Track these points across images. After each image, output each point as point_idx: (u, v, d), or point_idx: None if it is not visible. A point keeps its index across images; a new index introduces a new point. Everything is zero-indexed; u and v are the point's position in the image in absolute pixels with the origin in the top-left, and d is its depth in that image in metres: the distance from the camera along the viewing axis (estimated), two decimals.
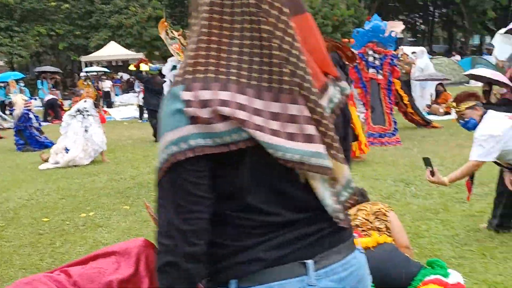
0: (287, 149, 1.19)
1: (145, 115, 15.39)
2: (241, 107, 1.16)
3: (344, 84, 1.36)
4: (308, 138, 1.21)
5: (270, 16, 1.20)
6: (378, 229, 3.59)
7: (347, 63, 8.49)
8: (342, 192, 1.33)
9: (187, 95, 1.17)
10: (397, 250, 3.45)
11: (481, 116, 4.32)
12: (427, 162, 4.30)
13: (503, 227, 4.56)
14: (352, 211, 3.85)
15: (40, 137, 12.41)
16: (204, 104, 1.16)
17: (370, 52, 9.91)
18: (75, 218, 5.95)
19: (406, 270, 3.34)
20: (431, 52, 33.84)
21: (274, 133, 1.18)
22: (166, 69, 19.55)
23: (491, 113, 4.35)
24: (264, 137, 1.17)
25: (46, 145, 12.24)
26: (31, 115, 12.48)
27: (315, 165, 1.22)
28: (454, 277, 3.30)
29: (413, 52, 16.02)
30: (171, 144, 1.17)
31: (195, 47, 1.22)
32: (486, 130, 4.18)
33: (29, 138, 12.12)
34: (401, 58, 14.93)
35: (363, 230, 3.60)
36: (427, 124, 11.87)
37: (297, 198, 1.27)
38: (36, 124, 12.53)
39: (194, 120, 1.16)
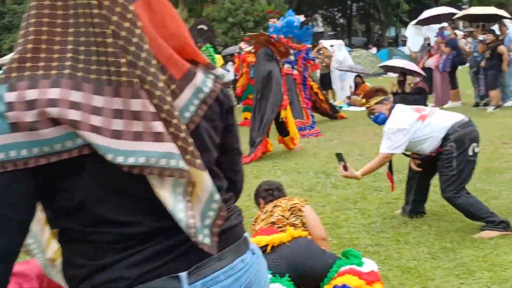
0: (130, 153, 1.04)
1: None
2: (75, 105, 1.01)
3: (220, 71, 1.25)
4: (157, 137, 1.06)
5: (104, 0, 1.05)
6: (294, 225, 3.61)
7: (279, 58, 8.64)
8: (206, 213, 1.15)
9: (10, 96, 1.01)
10: (312, 243, 3.47)
11: (390, 110, 4.47)
12: (339, 157, 4.39)
13: (415, 212, 4.72)
14: (268, 207, 3.84)
15: None
16: (30, 105, 1.00)
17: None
18: None
19: (322, 262, 3.37)
20: (350, 45, 34.86)
21: (115, 134, 1.04)
22: None
23: (398, 107, 4.53)
24: (99, 140, 1.02)
25: None
26: None
27: (166, 168, 1.06)
28: (368, 265, 3.36)
29: (331, 45, 16.39)
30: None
31: (23, 40, 1.05)
32: (394, 124, 4.33)
33: None
34: (321, 52, 15.25)
35: (279, 227, 3.59)
36: (334, 113, 12.02)
37: (159, 203, 1.10)
38: None
39: (17, 126, 1.00)
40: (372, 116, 4.67)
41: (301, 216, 3.67)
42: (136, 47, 1.05)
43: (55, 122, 1.01)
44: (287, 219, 3.66)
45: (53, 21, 1.05)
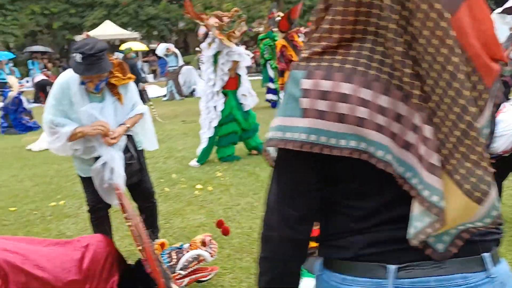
0: (401, 162, 1.08)
1: None
2: (363, 103, 1.06)
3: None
4: (422, 161, 1.06)
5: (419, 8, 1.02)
6: None
7: None
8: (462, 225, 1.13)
9: (306, 83, 1.10)
10: None
11: None
12: None
13: None
14: None
15: (28, 121, 12.12)
16: (323, 95, 1.08)
17: None
18: (43, 208, 5.67)
19: None
20: None
21: (392, 136, 1.07)
22: (159, 50, 19.28)
23: None
24: (381, 139, 1.07)
25: (31, 128, 11.97)
26: (22, 99, 12.19)
27: (426, 200, 1.07)
28: None
29: None
30: (279, 130, 1.14)
31: (326, 35, 1.11)
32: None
33: (14, 121, 11.82)
34: None
35: None
36: None
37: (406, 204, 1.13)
38: (27, 106, 12.24)
39: (307, 112, 1.09)
40: None
41: None
42: (445, 59, 1.02)
43: (341, 116, 1.07)
44: None
45: (357, 19, 1.09)
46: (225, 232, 3.53)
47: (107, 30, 30.24)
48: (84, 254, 2.93)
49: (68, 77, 3.52)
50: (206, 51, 7.16)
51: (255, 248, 4.16)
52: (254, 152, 7.64)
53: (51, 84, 19.83)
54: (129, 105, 3.78)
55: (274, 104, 12.66)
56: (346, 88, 1.06)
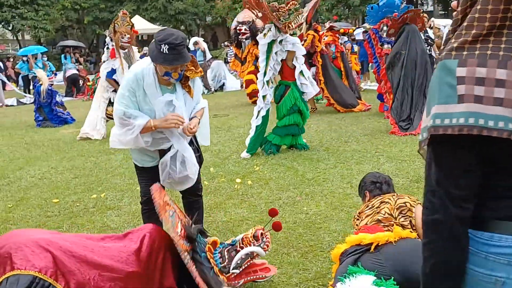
0: None
1: None
2: None
3: None
4: None
5: None
6: (402, 226, 3.24)
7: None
8: None
9: (461, 72, 1.19)
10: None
11: None
12: None
13: None
14: (375, 202, 3.49)
15: (63, 113, 12.24)
16: (478, 82, 1.16)
17: (384, 28, 9.78)
18: (85, 200, 5.72)
19: None
20: None
21: None
22: (190, 44, 19.35)
23: None
24: None
25: (67, 122, 12.10)
26: (54, 91, 12.32)
27: None
28: None
29: (444, 26, 15.28)
30: (436, 117, 1.25)
31: (477, 24, 1.20)
32: None
33: (49, 114, 11.96)
34: (433, 31, 14.28)
35: (385, 225, 3.24)
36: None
37: None
38: (58, 99, 12.37)
39: (463, 98, 1.19)
40: None
41: (411, 217, 3.29)
42: None
43: (499, 100, 1.15)
44: (395, 218, 3.30)
45: (507, 7, 1.17)
46: (277, 227, 3.49)
47: (136, 25, 30.39)
48: (142, 244, 2.94)
49: (142, 68, 3.54)
50: (261, 41, 7.17)
51: (301, 243, 4.12)
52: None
53: (82, 78, 20.12)
54: (197, 98, 3.80)
55: None
56: (501, 73, 1.15)
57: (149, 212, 3.81)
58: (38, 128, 11.63)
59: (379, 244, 3.05)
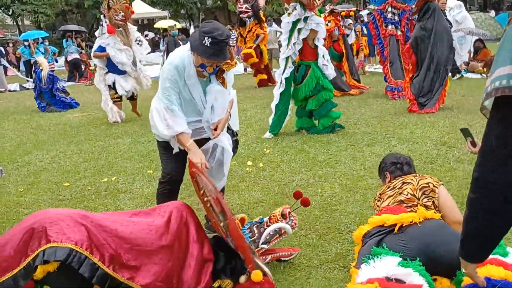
0: None
1: None
2: None
3: None
4: None
5: None
6: (426, 206, 3.19)
7: None
8: None
9: None
10: (447, 226, 3.05)
11: None
12: (466, 132, 3.78)
13: None
14: (396, 183, 3.44)
15: (65, 98, 12.16)
16: None
17: (389, 9, 10.02)
18: (96, 183, 5.68)
19: (457, 248, 2.94)
20: (467, 8, 32.45)
21: None
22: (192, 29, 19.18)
23: None
24: None
25: (71, 106, 12.02)
26: (55, 76, 12.23)
27: None
28: None
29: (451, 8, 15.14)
30: (498, 79, 1.30)
31: None
32: None
33: (51, 99, 11.86)
34: None
35: (408, 206, 3.19)
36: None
37: None
38: (60, 86, 12.27)
39: None
40: None
41: (434, 197, 3.25)
42: None
43: None
44: (418, 199, 3.25)
45: None
46: (306, 203, 3.48)
47: (137, 8, 30.03)
48: (170, 218, 3.00)
49: (183, 59, 3.49)
50: (285, 19, 7.12)
51: (318, 225, 4.08)
52: (303, 131, 7.58)
53: (83, 62, 19.98)
54: (229, 88, 3.77)
55: None
56: None
57: (169, 193, 3.77)
58: (43, 113, 11.56)
59: (403, 225, 3.01)
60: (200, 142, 3.71)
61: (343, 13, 12.92)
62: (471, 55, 13.75)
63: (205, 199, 3.19)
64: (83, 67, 20.07)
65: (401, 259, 2.83)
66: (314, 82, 7.15)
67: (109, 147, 7.52)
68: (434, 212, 3.14)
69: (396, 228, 3.01)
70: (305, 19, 6.95)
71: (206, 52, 3.35)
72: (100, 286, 2.66)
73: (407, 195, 3.28)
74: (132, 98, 9.67)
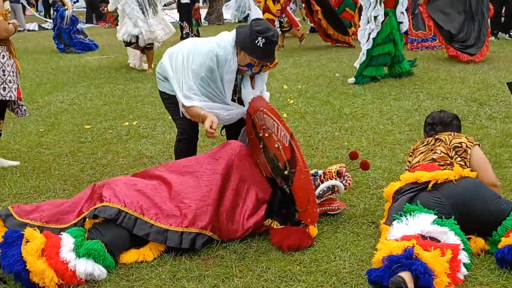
0: None
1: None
2: None
3: None
4: None
5: None
6: (460, 166, 3.05)
7: None
8: None
9: None
10: (483, 185, 2.91)
11: None
12: (511, 87, 3.58)
13: None
14: (430, 140, 3.29)
15: (84, 40, 11.98)
16: None
17: None
18: (117, 127, 5.60)
19: (494, 206, 2.81)
20: None
21: None
22: None
23: None
24: None
25: (90, 48, 11.86)
26: (76, 17, 12.02)
27: None
28: None
29: None
30: None
31: None
32: None
33: (69, 41, 11.68)
34: None
35: (441, 165, 3.05)
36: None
37: None
38: (78, 27, 12.07)
39: None
40: None
41: (466, 158, 3.09)
42: None
43: None
44: (451, 158, 3.11)
45: None
46: (366, 166, 3.43)
47: None
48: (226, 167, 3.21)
49: (227, 52, 3.30)
50: None
51: None
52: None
53: (104, 1, 19.62)
54: (260, 88, 3.57)
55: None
56: None
57: (188, 149, 3.64)
58: (62, 54, 11.43)
59: (438, 182, 2.88)
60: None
61: None
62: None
63: (266, 134, 3.20)
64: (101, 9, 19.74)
65: (436, 217, 2.72)
66: (387, 31, 7.13)
67: (130, 91, 7.41)
68: (470, 171, 3.00)
69: (430, 185, 2.88)
70: None
71: (257, 52, 3.25)
72: (158, 241, 2.89)
73: (440, 153, 3.14)
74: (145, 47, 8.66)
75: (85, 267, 2.64)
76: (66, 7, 11.48)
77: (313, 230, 3.02)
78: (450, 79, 7.31)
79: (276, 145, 3.13)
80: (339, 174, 3.36)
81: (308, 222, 3.02)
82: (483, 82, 6.99)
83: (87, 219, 2.88)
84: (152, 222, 2.89)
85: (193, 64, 3.36)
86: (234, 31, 3.37)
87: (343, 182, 3.34)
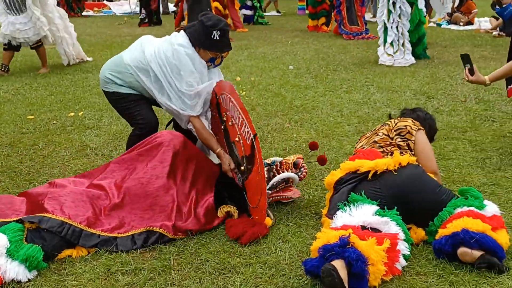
0: None
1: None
2: None
3: None
4: None
5: None
6: (399, 146, 3.05)
7: None
8: None
9: None
10: (424, 173, 2.91)
11: None
12: (465, 59, 3.62)
13: None
14: (377, 126, 3.30)
15: None
16: None
17: None
18: (62, 118, 5.42)
19: (433, 197, 2.83)
20: None
21: None
22: None
23: None
24: None
25: None
26: None
27: None
28: (491, 208, 2.80)
29: None
30: None
31: None
32: None
33: None
34: None
35: (381, 146, 3.06)
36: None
37: None
38: None
39: None
40: (497, 8, 3.90)
41: (410, 140, 3.10)
42: None
43: None
44: (391, 139, 3.12)
45: None
46: (323, 161, 3.40)
47: None
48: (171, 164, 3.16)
49: (194, 57, 3.32)
50: None
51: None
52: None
53: None
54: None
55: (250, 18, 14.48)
56: None
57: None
58: None
59: (378, 171, 2.87)
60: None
61: None
62: (455, 6, 13.50)
63: (229, 123, 3.19)
64: None
65: (378, 208, 2.72)
66: (417, 18, 7.93)
67: (78, 81, 7.20)
68: (409, 154, 3.00)
69: (370, 175, 2.87)
70: None
71: (217, 46, 3.33)
72: (109, 249, 2.79)
73: (381, 135, 3.15)
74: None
75: (15, 274, 2.48)
76: None
77: (268, 220, 3.02)
78: (401, 72, 7.41)
79: (237, 138, 3.13)
80: (295, 165, 3.33)
81: (256, 219, 3.01)
82: (432, 76, 7.11)
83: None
84: (99, 233, 2.81)
85: (178, 72, 3.32)
86: (183, 34, 3.37)
87: (299, 174, 3.32)
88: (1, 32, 7.34)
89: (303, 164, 3.40)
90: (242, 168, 3.14)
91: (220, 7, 11.74)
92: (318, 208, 3.30)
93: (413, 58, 8.00)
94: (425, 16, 8.58)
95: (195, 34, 3.31)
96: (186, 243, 2.89)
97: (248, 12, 14.51)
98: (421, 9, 8.10)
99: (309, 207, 3.34)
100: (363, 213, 2.66)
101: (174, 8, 13.59)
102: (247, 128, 3.01)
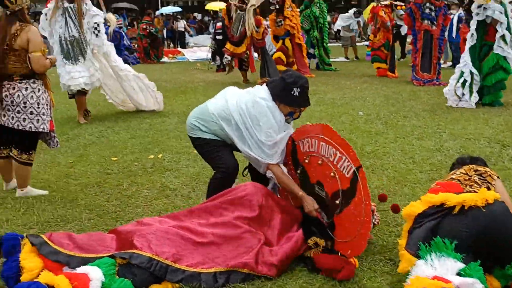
0: None
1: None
2: None
3: None
4: None
5: None
6: (477, 184, 3.03)
7: None
8: None
9: None
10: (510, 213, 2.78)
11: None
12: None
13: None
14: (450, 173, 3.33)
15: (128, 56, 12.08)
16: None
17: (427, 4, 10.85)
18: (143, 159, 5.75)
19: None
20: None
21: None
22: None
23: None
24: None
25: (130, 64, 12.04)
26: (123, 34, 12.19)
27: None
28: None
29: None
30: None
31: None
32: None
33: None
34: None
35: (462, 183, 3.04)
36: None
37: None
38: (126, 42, 12.23)
39: None
40: None
41: (491, 183, 3.06)
42: None
43: None
44: (470, 176, 3.11)
45: None
46: (396, 210, 3.56)
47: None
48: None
49: (276, 112, 3.56)
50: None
51: None
52: None
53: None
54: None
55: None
56: None
57: (229, 185, 3.70)
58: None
59: (466, 206, 2.74)
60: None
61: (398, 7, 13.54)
62: None
63: (319, 162, 3.42)
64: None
65: (463, 265, 2.60)
66: (494, 61, 8.15)
67: (156, 124, 7.60)
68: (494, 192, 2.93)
69: (457, 209, 2.76)
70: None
71: (296, 101, 3.57)
72: (193, 285, 2.92)
73: (459, 174, 3.16)
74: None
75: None
76: (109, 24, 11.62)
77: (355, 261, 3.12)
78: (474, 119, 7.32)
79: (332, 174, 3.30)
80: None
81: (348, 254, 3.13)
82: (507, 123, 6.99)
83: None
84: (184, 268, 2.95)
85: (258, 123, 3.55)
86: (265, 88, 3.62)
87: (373, 220, 3.43)
88: (62, 83, 7.68)
89: (376, 212, 3.48)
90: (337, 202, 3.27)
91: (283, 56, 12.12)
92: (392, 254, 3.33)
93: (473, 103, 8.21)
94: None
95: (276, 89, 3.57)
96: (264, 283, 3.01)
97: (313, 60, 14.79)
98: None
99: (383, 253, 3.39)
100: (446, 268, 2.60)
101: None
102: (347, 162, 3.20)
